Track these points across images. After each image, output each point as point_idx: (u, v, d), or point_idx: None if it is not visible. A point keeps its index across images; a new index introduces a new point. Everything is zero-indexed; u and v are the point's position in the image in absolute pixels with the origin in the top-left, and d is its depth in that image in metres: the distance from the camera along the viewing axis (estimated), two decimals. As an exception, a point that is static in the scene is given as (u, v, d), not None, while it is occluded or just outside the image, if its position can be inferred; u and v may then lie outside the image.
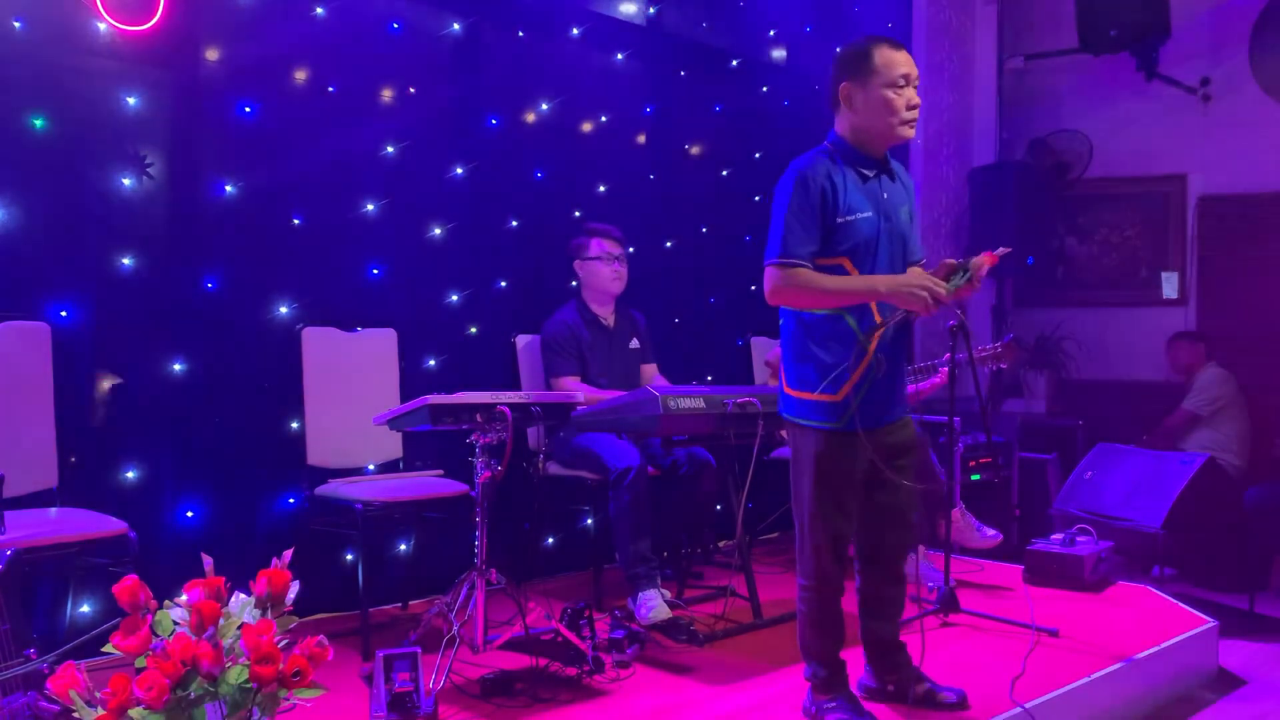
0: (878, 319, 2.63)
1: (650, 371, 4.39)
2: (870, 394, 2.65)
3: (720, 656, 3.40)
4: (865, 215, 2.62)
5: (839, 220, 2.58)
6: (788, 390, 2.74)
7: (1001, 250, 2.58)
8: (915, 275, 2.59)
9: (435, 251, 4.28)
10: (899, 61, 2.61)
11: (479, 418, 3.06)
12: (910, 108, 2.62)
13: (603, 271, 4.17)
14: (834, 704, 2.78)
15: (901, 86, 2.59)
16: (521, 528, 4.31)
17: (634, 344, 4.35)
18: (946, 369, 3.70)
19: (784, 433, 4.62)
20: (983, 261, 2.56)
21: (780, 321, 2.79)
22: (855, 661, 2.95)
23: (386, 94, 4.15)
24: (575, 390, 3.95)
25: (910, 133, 2.63)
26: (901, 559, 2.92)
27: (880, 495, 2.79)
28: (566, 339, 4.12)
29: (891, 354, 2.71)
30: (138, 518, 3.08)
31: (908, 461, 2.82)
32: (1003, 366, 4.49)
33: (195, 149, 3.65)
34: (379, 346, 3.96)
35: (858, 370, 2.62)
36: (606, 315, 4.27)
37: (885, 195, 2.68)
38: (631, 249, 4.38)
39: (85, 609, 3.24)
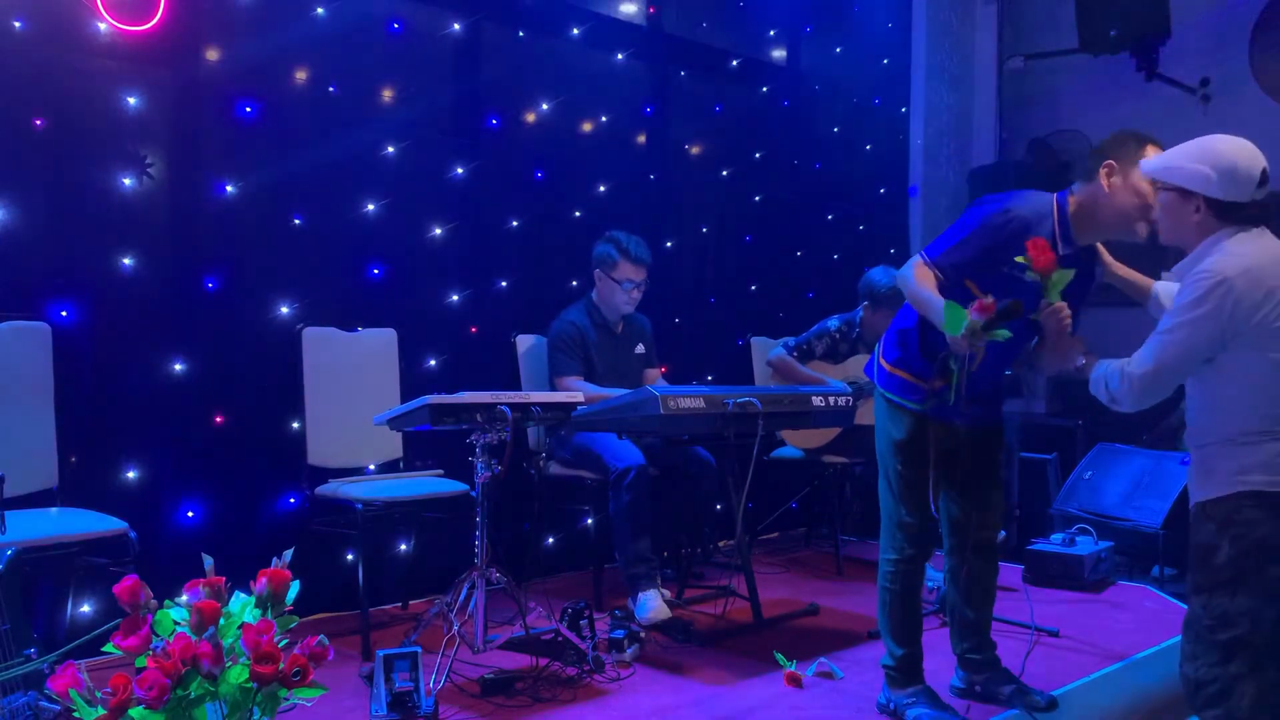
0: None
1: (654, 376, 4.38)
2: (960, 390, 2.65)
3: (720, 656, 3.40)
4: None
5: (1006, 270, 2.53)
6: (883, 364, 2.80)
7: (990, 301, 2.41)
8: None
9: (435, 251, 4.28)
10: None
11: (479, 418, 3.06)
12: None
13: (620, 296, 4.16)
14: (912, 699, 2.77)
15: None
16: (521, 528, 4.31)
17: (639, 349, 4.36)
18: None
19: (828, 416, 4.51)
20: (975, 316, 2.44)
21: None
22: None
23: (386, 94, 4.15)
24: (578, 390, 3.95)
25: (1143, 235, 2.55)
26: (989, 530, 2.95)
27: (966, 474, 2.82)
28: (573, 339, 4.12)
29: (993, 363, 2.72)
30: (138, 518, 3.08)
31: (990, 446, 2.90)
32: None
33: (195, 149, 3.65)
34: (379, 346, 3.96)
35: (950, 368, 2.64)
36: (615, 319, 4.28)
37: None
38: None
39: (85, 609, 3.24)
